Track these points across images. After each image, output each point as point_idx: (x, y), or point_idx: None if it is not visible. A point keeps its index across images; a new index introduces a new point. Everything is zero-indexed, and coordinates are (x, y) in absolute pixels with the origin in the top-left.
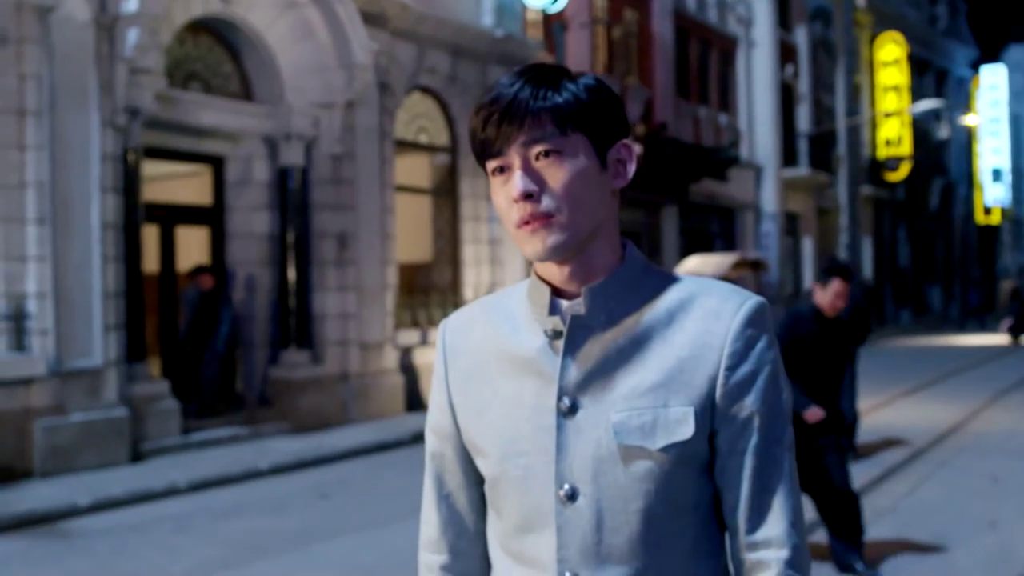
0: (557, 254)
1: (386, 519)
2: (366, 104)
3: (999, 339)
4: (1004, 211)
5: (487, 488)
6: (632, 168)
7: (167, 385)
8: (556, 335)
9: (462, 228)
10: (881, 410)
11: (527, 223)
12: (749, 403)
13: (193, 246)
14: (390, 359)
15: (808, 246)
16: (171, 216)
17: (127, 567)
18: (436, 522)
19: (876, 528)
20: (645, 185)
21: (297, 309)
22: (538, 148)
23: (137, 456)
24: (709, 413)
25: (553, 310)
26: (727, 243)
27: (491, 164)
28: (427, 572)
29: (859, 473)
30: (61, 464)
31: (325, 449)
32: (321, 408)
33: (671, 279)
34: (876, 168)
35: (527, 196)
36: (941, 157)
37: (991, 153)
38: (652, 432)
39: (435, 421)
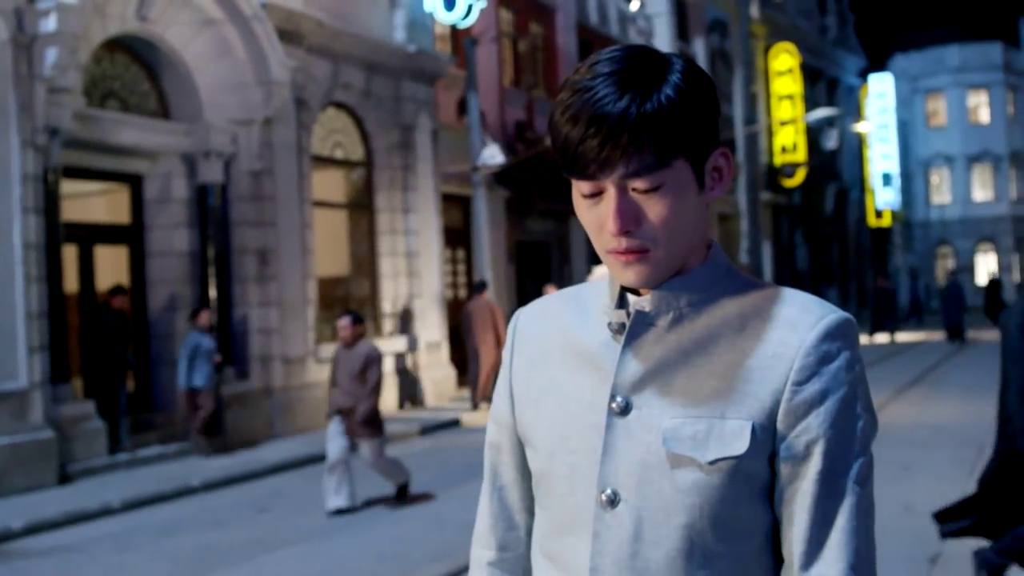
0: (651, 284)
1: (329, 529)
2: (283, 120)
3: (880, 338)
4: (895, 214)
5: (534, 483)
6: (729, 174)
7: (92, 405)
8: (620, 329)
9: (379, 242)
10: None
11: (621, 254)
12: (815, 425)
13: (112, 265)
14: (313, 373)
15: None
16: (90, 235)
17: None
18: (488, 515)
19: None
20: (554, 195)
21: (219, 326)
22: (638, 183)
23: (65, 478)
24: (769, 431)
25: (622, 304)
26: None
27: (581, 185)
28: (476, 567)
29: None
30: None
31: (254, 464)
32: (247, 423)
33: (753, 285)
34: (773, 174)
35: (624, 232)
36: (834, 163)
37: (881, 159)
38: (704, 443)
39: (496, 409)
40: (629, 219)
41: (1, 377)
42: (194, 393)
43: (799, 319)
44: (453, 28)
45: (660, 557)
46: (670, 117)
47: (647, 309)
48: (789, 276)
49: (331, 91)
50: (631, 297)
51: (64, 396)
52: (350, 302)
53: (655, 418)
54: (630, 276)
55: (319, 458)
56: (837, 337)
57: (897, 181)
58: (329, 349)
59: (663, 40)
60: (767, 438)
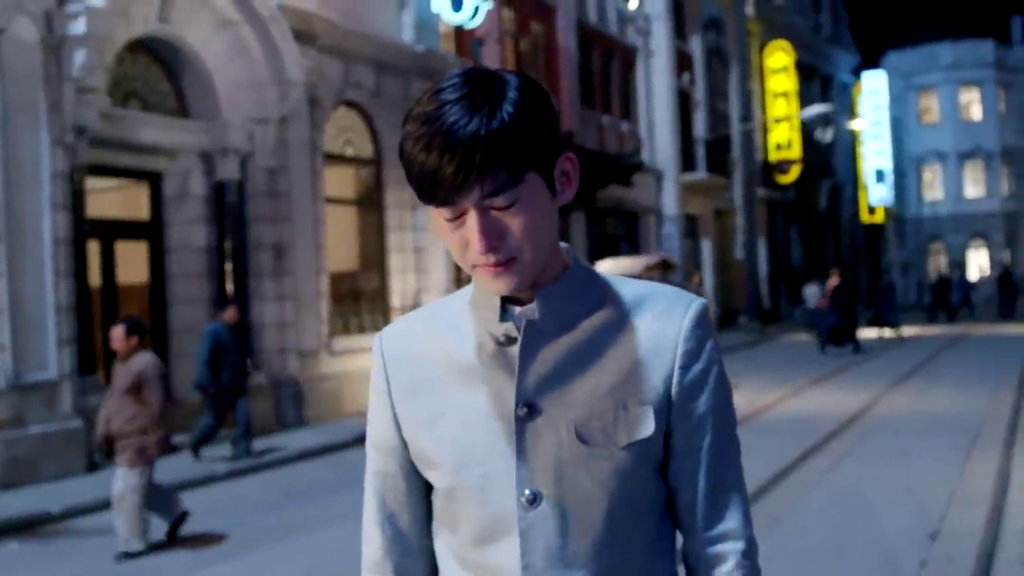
0: (521, 290)
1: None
2: (298, 119)
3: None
4: (887, 210)
5: (440, 501)
6: (576, 176)
7: None
8: (509, 341)
9: (388, 237)
10: (792, 398)
11: (490, 267)
12: (703, 401)
13: (133, 260)
14: (326, 365)
15: (707, 247)
16: (111, 231)
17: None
18: (379, 543)
19: (803, 500)
20: None
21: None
22: (496, 202)
23: (92, 466)
24: (666, 411)
25: (504, 316)
26: (631, 246)
27: (440, 211)
28: None
29: (780, 453)
30: (22, 475)
31: (274, 453)
32: (262, 414)
33: (615, 283)
34: (768, 171)
35: (491, 249)
36: (828, 160)
37: (874, 155)
38: (614, 432)
39: (377, 436)
40: (493, 237)
41: (33, 368)
42: None
43: (670, 310)
44: (458, 28)
45: (587, 544)
46: (516, 133)
47: (536, 317)
48: (784, 271)
49: (343, 90)
50: (515, 309)
51: (91, 387)
52: (359, 297)
53: (562, 416)
54: (501, 285)
55: (336, 447)
56: (703, 321)
57: (890, 178)
58: (342, 343)
59: (661, 38)
60: (664, 419)
